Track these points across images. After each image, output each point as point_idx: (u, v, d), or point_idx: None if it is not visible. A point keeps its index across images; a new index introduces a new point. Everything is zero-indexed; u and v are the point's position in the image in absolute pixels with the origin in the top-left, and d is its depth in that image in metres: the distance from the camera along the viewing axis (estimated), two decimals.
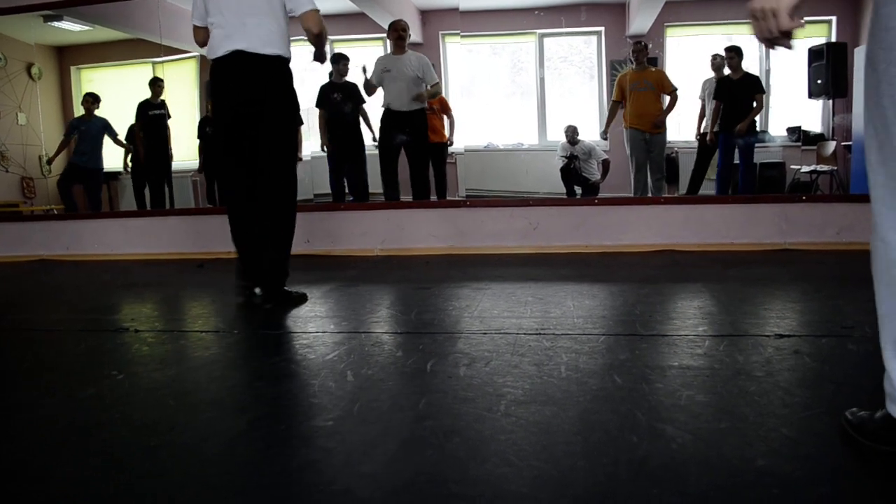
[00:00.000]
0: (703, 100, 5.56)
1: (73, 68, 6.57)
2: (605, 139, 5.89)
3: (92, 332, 2.65)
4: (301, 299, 3.04)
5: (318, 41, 3.00)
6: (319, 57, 3.14)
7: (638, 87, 5.34)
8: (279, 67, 2.90)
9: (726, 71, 5.32)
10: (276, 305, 2.94)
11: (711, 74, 5.49)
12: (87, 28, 6.18)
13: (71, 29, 6.09)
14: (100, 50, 6.62)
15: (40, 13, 5.66)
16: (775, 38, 1.16)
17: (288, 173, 2.97)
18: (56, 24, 5.92)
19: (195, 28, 3.03)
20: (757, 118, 5.35)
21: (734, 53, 5.17)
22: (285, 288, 3.00)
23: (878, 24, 1.18)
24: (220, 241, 4.91)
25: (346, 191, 5.60)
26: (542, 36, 6.44)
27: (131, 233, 5.21)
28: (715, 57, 5.44)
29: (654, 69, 5.50)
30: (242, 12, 2.82)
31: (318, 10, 2.88)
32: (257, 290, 2.93)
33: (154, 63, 6.17)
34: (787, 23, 1.13)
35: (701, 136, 5.49)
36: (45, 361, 2.27)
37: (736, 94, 5.22)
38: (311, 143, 5.93)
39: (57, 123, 6.39)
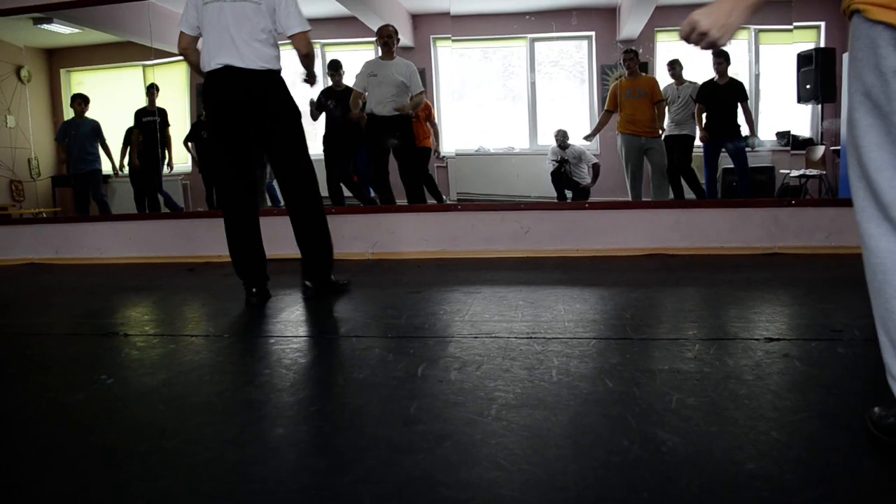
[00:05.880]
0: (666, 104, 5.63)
1: (62, 71, 6.55)
2: (589, 142, 5.93)
3: (81, 336, 2.64)
4: (346, 287, 3.37)
5: (306, 62, 3.12)
6: (310, 78, 3.26)
7: (632, 94, 5.40)
8: (270, 78, 2.98)
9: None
10: (326, 295, 3.20)
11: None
12: (76, 31, 6.16)
13: (61, 31, 6.06)
14: (90, 53, 6.60)
15: (30, 15, 5.63)
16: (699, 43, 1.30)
17: (307, 173, 3.13)
18: (46, 26, 5.89)
19: (181, 34, 3.06)
20: (742, 123, 5.38)
21: (722, 59, 5.20)
22: (332, 278, 3.28)
23: (850, 53, 1.26)
24: (211, 244, 4.92)
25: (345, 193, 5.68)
26: (534, 40, 6.47)
27: (121, 236, 5.18)
28: (673, 66, 5.50)
29: (645, 76, 5.56)
30: (232, 29, 2.88)
31: (308, 32, 2.98)
32: (308, 283, 3.19)
33: (145, 66, 6.15)
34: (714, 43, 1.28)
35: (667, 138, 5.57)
36: (35, 366, 2.25)
37: (721, 98, 5.27)
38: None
39: (46, 126, 6.35)
